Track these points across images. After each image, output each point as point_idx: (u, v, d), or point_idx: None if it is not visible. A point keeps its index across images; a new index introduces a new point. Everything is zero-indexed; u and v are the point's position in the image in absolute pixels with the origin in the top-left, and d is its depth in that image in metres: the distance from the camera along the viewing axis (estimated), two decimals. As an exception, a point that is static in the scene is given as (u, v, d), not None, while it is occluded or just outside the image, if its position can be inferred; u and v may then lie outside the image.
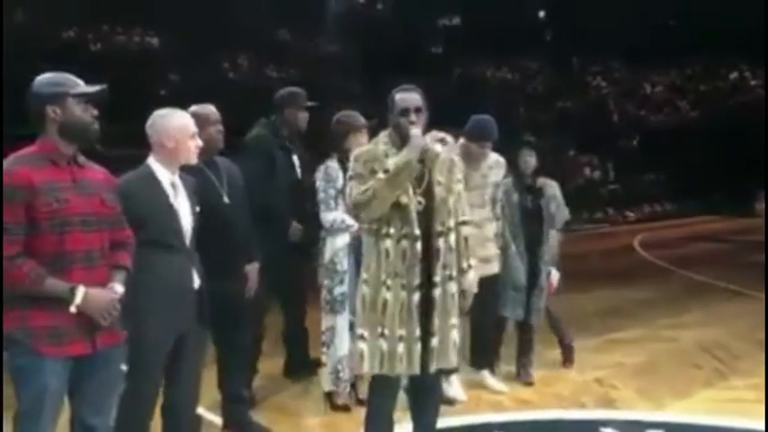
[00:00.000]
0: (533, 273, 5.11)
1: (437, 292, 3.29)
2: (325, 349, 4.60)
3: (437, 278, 3.28)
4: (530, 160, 5.12)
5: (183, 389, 3.46)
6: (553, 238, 5.19)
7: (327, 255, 4.58)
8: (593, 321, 7.23)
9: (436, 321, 3.28)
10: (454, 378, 4.78)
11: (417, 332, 3.25)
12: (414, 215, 3.23)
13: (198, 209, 3.43)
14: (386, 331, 3.22)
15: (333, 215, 4.48)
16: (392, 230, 3.21)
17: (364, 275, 3.28)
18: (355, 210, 3.25)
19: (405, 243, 3.22)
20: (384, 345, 3.22)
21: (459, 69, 24.27)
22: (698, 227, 16.58)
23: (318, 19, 23.77)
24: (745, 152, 17.14)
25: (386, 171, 3.18)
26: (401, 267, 3.22)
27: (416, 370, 3.27)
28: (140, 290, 3.08)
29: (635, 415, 4.62)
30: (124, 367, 3.19)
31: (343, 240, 4.52)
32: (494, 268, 4.89)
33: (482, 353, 5.12)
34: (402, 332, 3.23)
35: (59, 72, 2.90)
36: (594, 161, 19.67)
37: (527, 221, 5.10)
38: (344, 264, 4.51)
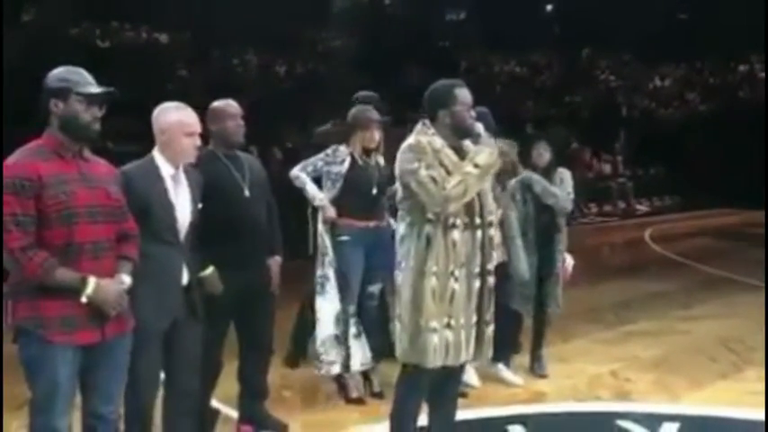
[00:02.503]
0: (549, 262, 5.07)
1: (491, 280, 3.38)
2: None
3: (490, 266, 3.38)
4: (544, 154, 5.08)
5: (182, 381, 3.46)
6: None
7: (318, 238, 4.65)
8: (607, 314, 7.20)
9: (490, 310, 3.39)
10: (468, 364, 4.75)
11: (474, 318, 3.34)
12: (477, 206, 3.32)
13: (200, 205, 3.42)
14: (452, 321, 3.28)
15: (299, 173, 4.64)
16: (458, 221, 3.26)
17: (433, 267, 3.24)
18: (446, 203, 3.18)
19: (468, 233, 3.29)
20: (451, 335, 3.28)
21: (467, 64, 24.17)
22: (708, 220, 16.49)
23: (326, 14, 23.73)
24: (756, 145, 17.03)
25: (476, 165, 3.23)
26: (465, 257, 3.28)
27: (471, 356, 3.39)
28: (134, 278, 3.03)
29: (650, 407, 4.59)
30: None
31: (321, 225, 4.60)
32: (499, 257, 4.86)
33: (497, 345, 5.07)
34: (462, 321, 3.30)
35: (75, 66, 2.89)
36: (603, 154, 19.54)
37: (540, 213, 5.05)
38: (327, 246, 4.56)
